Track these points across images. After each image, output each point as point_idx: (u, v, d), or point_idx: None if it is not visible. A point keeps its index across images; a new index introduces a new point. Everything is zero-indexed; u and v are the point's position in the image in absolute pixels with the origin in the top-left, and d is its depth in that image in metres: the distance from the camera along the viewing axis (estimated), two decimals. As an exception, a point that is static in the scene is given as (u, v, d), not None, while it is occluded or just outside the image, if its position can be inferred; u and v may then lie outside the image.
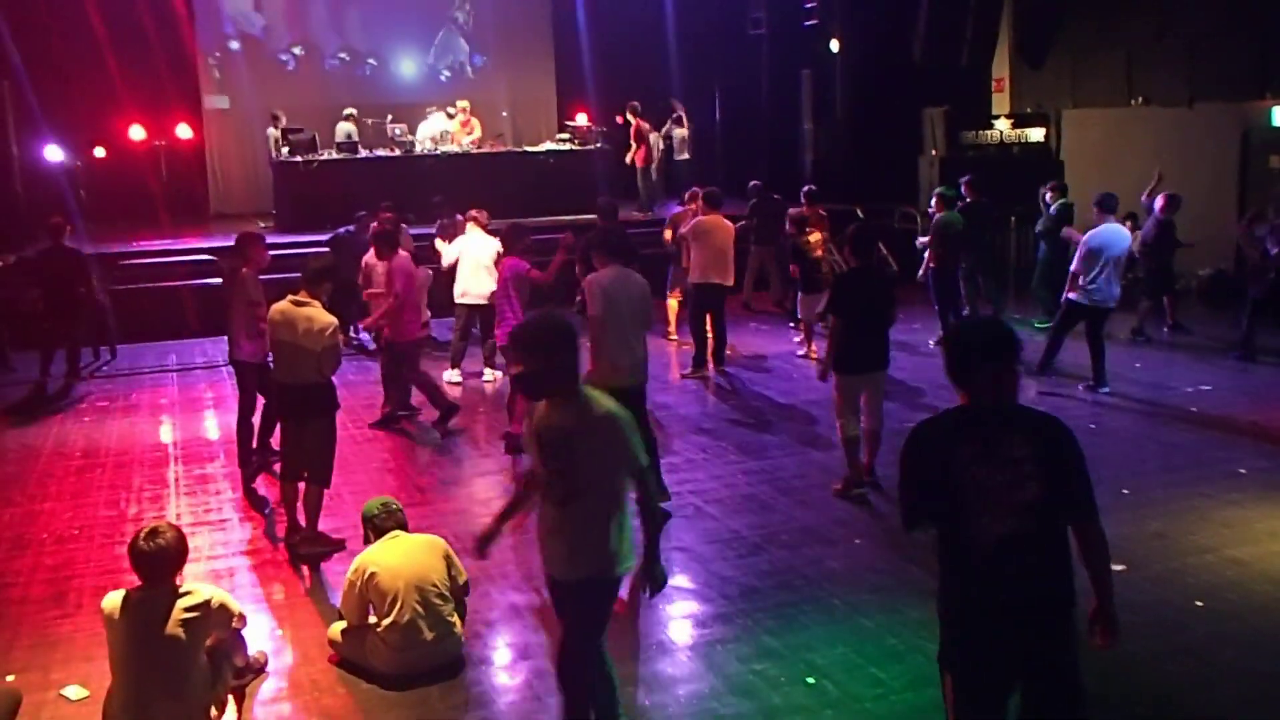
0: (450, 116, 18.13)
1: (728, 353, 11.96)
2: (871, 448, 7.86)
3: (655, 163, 17.55)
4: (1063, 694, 3.50)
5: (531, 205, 16.36)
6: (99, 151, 18.32)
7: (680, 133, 18.31)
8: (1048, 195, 13.19)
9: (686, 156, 18.35)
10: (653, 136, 17.61)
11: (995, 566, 3.38)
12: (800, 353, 12.24)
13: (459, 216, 11.64)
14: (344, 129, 17.81)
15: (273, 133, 17.73)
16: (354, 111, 18.17)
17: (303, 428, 6.93)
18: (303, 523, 7.02)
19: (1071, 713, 3.49)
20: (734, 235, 11.67)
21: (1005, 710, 3.53)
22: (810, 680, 5.24)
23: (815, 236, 11.80)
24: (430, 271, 10.81)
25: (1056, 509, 3.42)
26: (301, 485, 6.99)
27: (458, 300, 11.08)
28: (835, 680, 5.22)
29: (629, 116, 17.45)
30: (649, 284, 7.38)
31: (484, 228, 11.17)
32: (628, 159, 17.74)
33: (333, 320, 6.77)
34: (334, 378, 6.95)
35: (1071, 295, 10.23)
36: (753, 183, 14.68)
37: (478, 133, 18.03)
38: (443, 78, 21.07)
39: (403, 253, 9.73)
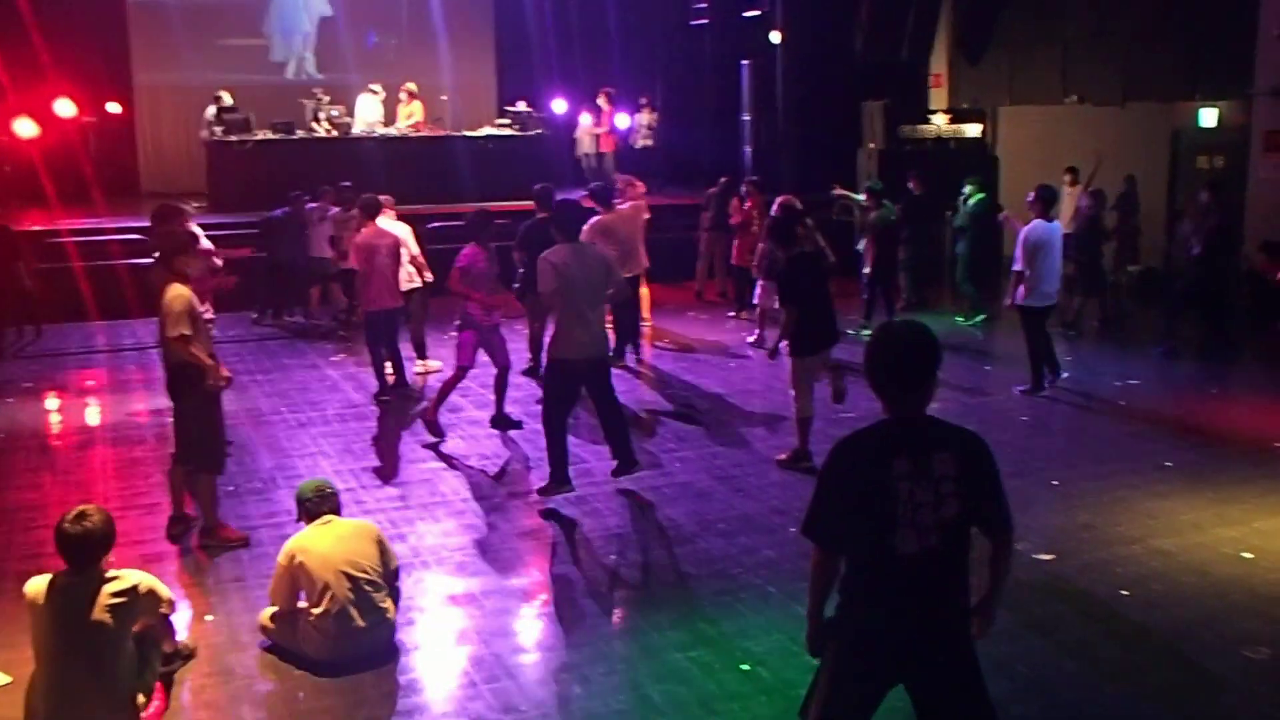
0: (376, 95, 17.75)
1: (663, 343, 11.94)
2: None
3: (615, 150, 17.97)
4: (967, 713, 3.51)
5: (470, 190, 16.23)
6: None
7: (647, 119, 18.42)
8: (964, 189, 13.40)
9: (649, 143, 18.47)
10: (641, 116, 18.19)
11: (908, 580, 3.38)
12: (750, 339, 12.09)
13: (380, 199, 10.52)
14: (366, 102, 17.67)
15: (211, 111, 17.12)
16: (378, 88, 17.74)
17: (179, 408, 6.73)
18: (191, 513, 6.90)
19: None
20: (642, 222, 11.42)
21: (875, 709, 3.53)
22: (745, 667, 5.28)
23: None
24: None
25: (969, 525, 3.43)
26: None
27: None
28: (770, 667, 5.26)
29: (601, 102, 17.57)
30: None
31: (394, 213, 10.81)
32: (583, 145, 17.76)
33: (179, 293, 6.43)
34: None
35: (1024, 300, 9.78)
36: (723, 179, 14.50)
37: (418, 116, 17.81)
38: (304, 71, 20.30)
39: (370, 226, 9.86)
